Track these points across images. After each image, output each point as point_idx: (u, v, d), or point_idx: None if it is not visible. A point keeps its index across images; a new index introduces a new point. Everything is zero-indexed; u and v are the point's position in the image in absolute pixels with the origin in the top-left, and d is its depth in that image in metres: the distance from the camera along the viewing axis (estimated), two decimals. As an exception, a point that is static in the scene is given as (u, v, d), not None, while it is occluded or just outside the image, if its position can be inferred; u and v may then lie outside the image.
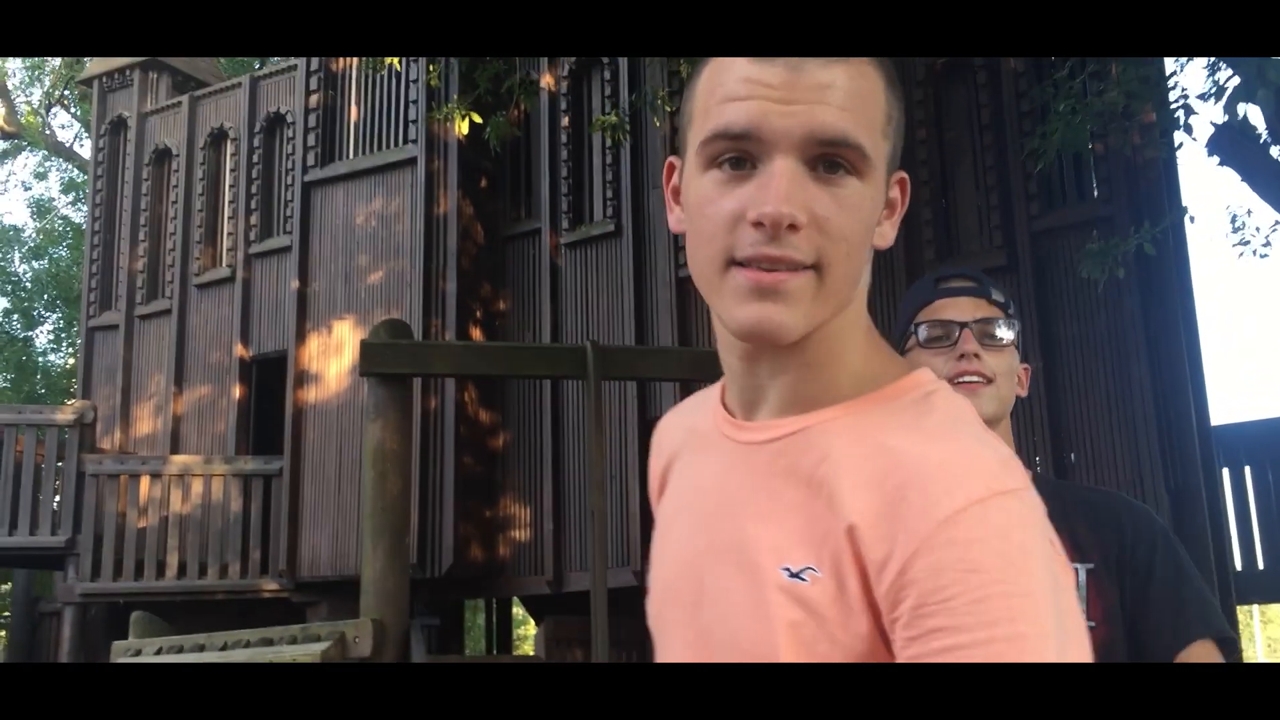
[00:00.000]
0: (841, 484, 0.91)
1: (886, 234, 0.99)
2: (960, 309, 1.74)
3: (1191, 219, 7.30)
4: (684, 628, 1.02)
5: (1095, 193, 7.93)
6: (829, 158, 0.91)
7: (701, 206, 0.94)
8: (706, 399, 1.13)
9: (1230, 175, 6.79)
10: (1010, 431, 1.77)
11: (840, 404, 0.96)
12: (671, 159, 1.05)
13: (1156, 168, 7.50)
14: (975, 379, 1.70)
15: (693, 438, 1.11)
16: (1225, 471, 8.00)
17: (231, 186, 10.86)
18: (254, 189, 10.56)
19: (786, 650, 0.90)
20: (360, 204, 9.96)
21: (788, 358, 0.97)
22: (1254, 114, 6.57)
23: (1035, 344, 7.42)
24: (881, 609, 0.87)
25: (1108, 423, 7.39)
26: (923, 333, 1.75)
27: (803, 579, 0.90)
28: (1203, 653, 1.65)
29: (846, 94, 0.92)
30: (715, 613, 0.98)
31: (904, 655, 0.85)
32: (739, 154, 0.92)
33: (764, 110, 0.91)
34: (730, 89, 0.93)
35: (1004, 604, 0.82)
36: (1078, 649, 0.85)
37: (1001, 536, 0.84)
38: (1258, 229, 8.15)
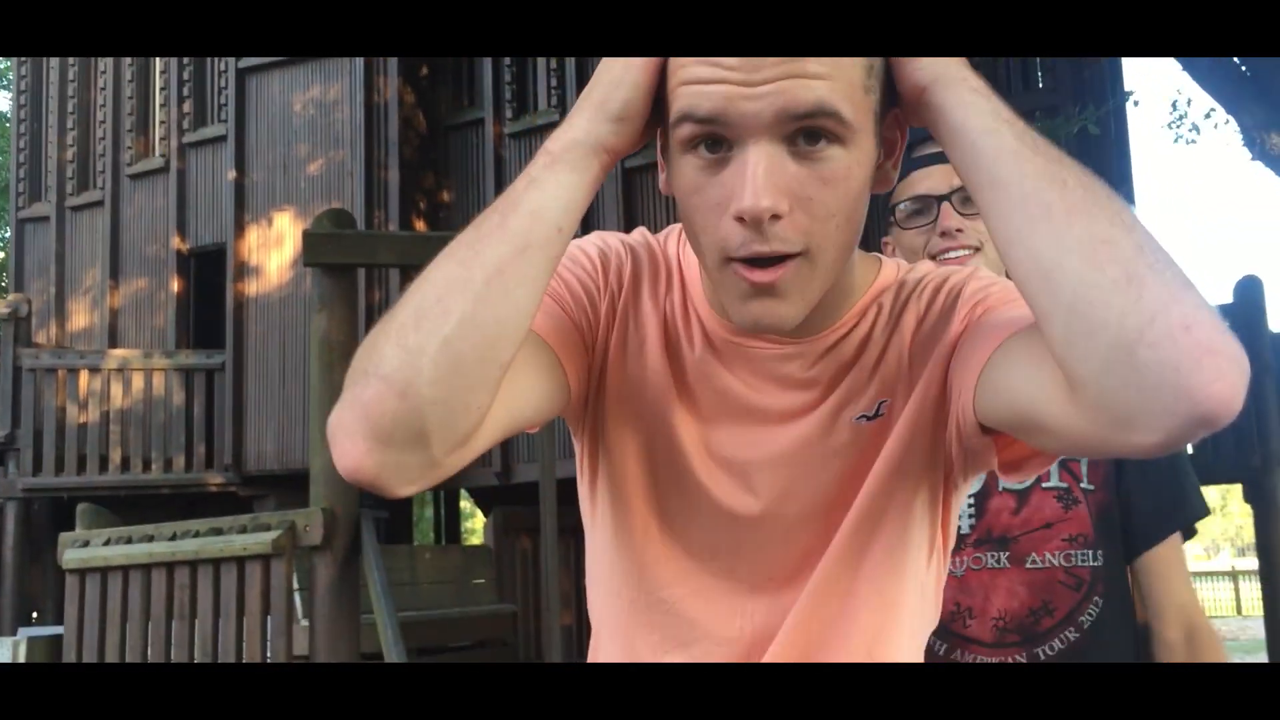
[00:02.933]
0: (889, 349, 1.03)
1: (888, 175, 0.98)
2: (935, 179, 1.64)
3: (1135, 103, 7.35)
4: (721, 526, 1.06)
5: (1040, 82, 7.93)
6: (807, 129, 0.87)
7: (688, 195, 0.92)
8: (671, 279, 1.09)
9: (1172, 65, 6.82)
10: None
11: (852, 310, 1.04)
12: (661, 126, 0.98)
13: (1099, 58, 7.52)
14: (961, 252, 1.63)
15: (666, 322, 1.08)
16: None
17: (163, 73, 10.53)
18: (186, 75, 10.24)
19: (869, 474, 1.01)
20: (298, 91, 9.72)
21: None
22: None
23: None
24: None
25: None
26: (900, 211, 1.68)
27: (880, 414, 1.01)
28: (1175, 537, 1.66)
29: (818, 57, 0.87)
30: (800, 501, 1.03)
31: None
32: (712, 137, 0.89)
33: (728, 95, 0.86)
34: (691, 70, 0.88)
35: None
36: None
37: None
38: (1194, 123, 8.21)
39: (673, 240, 1.12)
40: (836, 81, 0.87)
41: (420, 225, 9.41)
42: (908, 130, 0.99)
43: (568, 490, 5.28)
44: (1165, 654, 1.65)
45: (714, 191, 0.90)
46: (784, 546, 1.04)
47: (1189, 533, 1.70)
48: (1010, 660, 1.58)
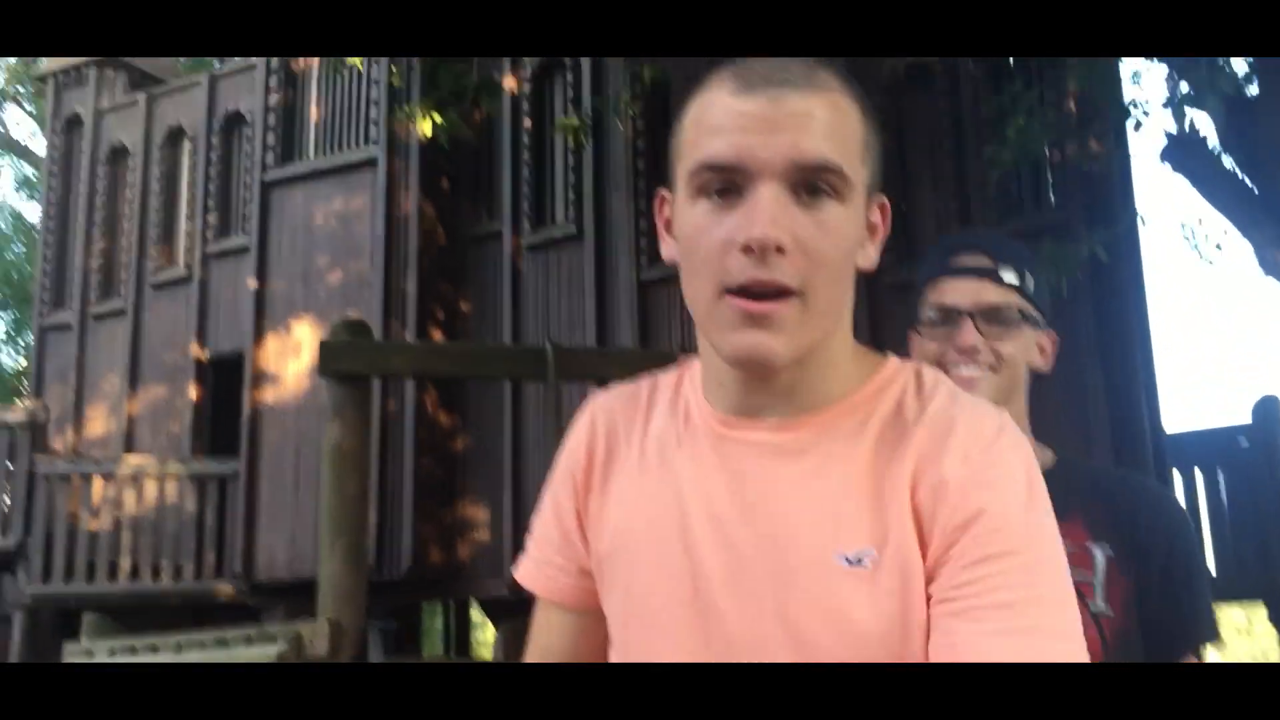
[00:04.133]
0: (886, 466, 0.98)
1: (870, 255, 1.04)
2: (964, 293, 1.63)
3: (1143, 221, 7.41)
4: (690, 632, 1.02)
5: (1052, 200, 8.02)
6: (811, 182, 0.95)
7: (694, 237, 0.98)
8: (657, 396, 1.13)
9: (1184, 183, 6.89)
10: (1024, 413, 1.69)
11: (838, 401, 1.03)
12: (662, 191, 1.07)
13: (1111, 175, 7.60)
14: (974, 370, 1.62)
15: (653, 437, 1.10)
16: (1177, 476, 8.10)
17: (189, 185, 10.75)
18: (212, 188, 10.46)
19: (858, 627, 0.95)
20: (320, 204, 9.89)
21: (785, 375, 1.01)
22: (1206, 122, 6.68)
23: (992, 349, 7.49)
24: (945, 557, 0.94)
25: (1061, 428, 7.47)
26: (924, 315, 1.67)
27: (863, 565, 0.95)
28: (1192, 659, 1.61)
29: (825, 122, 0.96)
30: (756, 610, 0.99)
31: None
32: (725, 183, 0.96)
33: (748, 141, 0.95)
34: (715, 121, 0.97)
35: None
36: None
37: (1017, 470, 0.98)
38: (1206, 236, 8.27)
39: (676, 370, 1.16)
40: (838, 145, 0.97)
41: (437, 335, 9.47)
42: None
43: (578, 604, 5.20)
44: None
45: (719, 231, 0.96)
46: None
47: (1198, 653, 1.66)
48: None
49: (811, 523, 0.97)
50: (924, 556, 0.95)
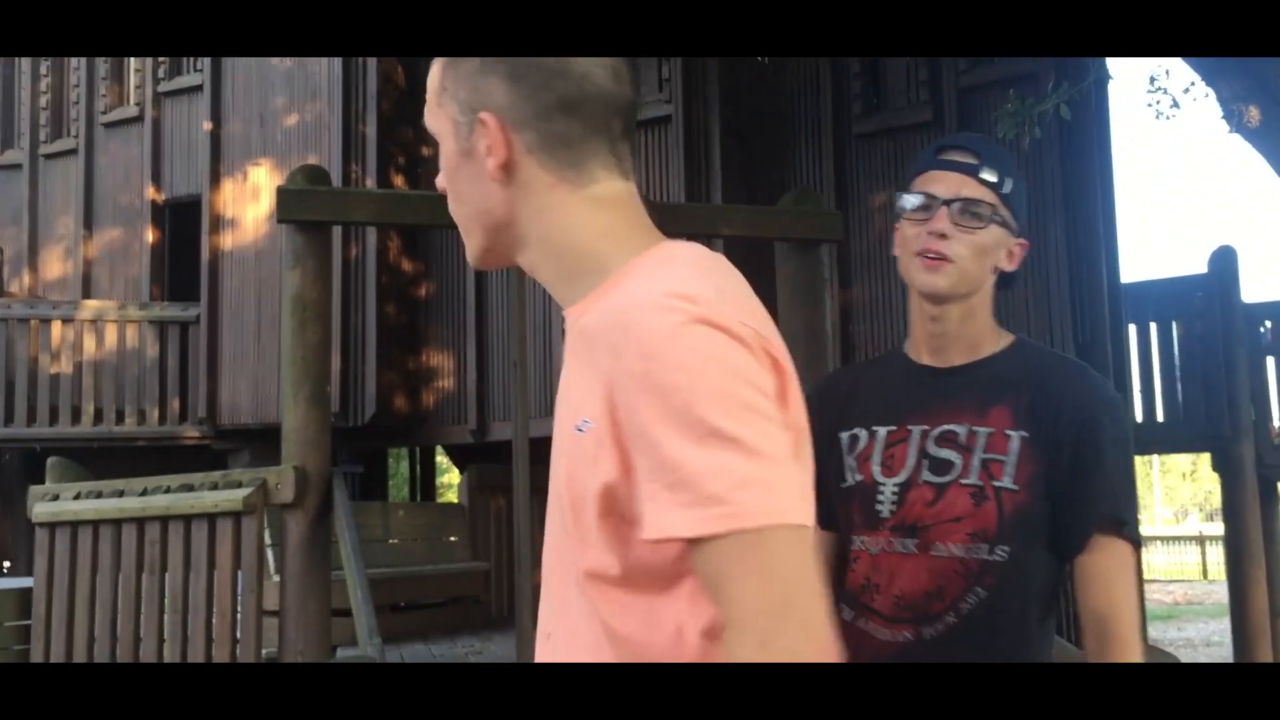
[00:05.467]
0: (596, 352, 1.07)
1: (488, 164, 1.15)
2: (945, 184, 1.77)
3: (1110, 78, 7.34)
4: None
5: (1022, 49, 7.91)
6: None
7: None
8: None
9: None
10: (988, 307, 1.83)
11: (597, 288, 1.13)
12: None
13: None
14: (934, 256, 1.76)
15: None
16: (1132, 328, 8.23)
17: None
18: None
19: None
20: (275, 42, 9.59)
21: (533, 270, 1.18)
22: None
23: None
24: None
25: (1021, 280, 7.54)
26: (907, 201, 1.80)
27: (581, 430, 1.04)
28: (1103, 541, 1.72)
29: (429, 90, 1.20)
30: (555, 462, 1.13)
31: None
32: None
33: None
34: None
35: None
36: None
37: None
38: (1167, 92, 8.19)
39: None
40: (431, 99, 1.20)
41: (398, 181, 9.34)
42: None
43: (541, 450, 5.30)
44: (1080, 658, 1.75)
45: None
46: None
47: (1132, 539, 1.74)
48: (902, 636, 1.72)
49: (567, 400, 1.11)
50: (620, 432, 1.00)
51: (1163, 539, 27.33)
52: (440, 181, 1.18)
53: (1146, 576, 8.97)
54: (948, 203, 1.76)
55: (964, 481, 1.73)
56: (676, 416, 0.94)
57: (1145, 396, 8.28)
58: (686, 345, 0.96)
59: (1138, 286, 8.46)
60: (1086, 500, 1.72)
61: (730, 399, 0.94)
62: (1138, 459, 12.26)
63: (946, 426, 1.77)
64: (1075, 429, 1.72)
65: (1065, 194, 7.50)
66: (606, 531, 1.03)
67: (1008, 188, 1.79)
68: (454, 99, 1.15)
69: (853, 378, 1.98)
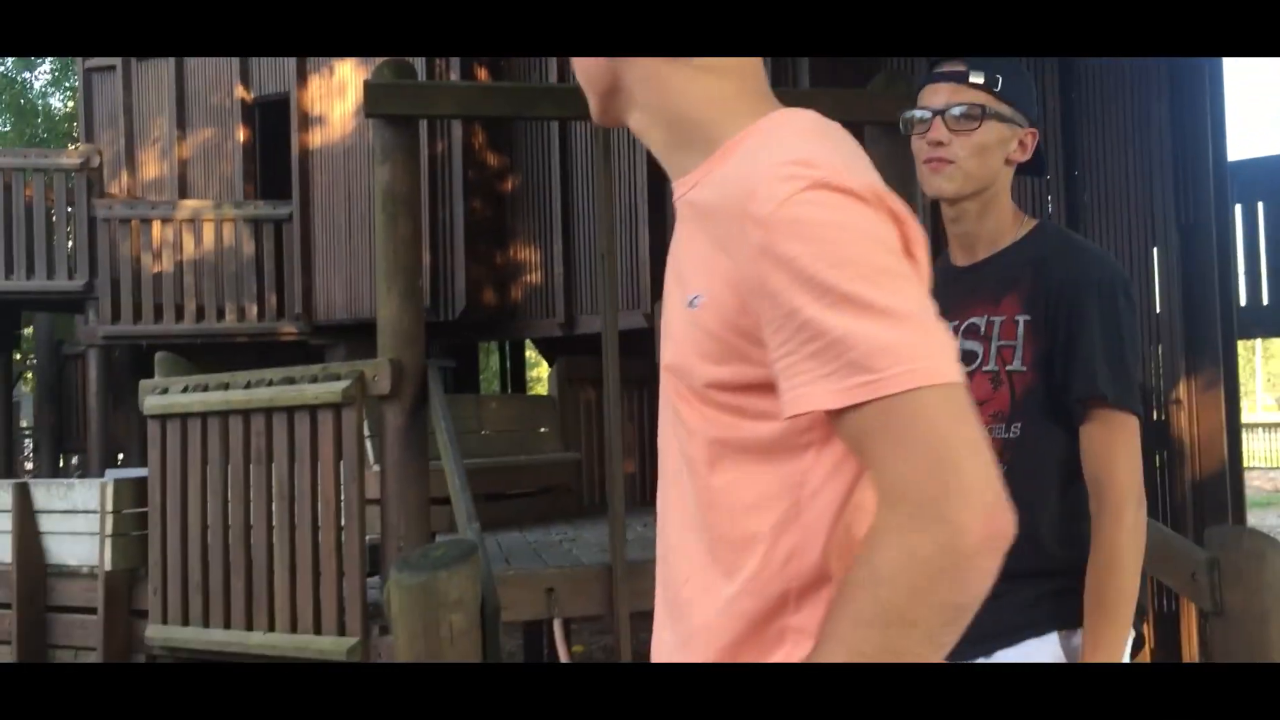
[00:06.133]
0: (710, 224, 1.06)
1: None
2: (937, 96, 1.92)
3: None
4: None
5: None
6: None
7: None
8: None
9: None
10: (1005, 201, 1.96)
11: (710, 157, 1.10)
12: None
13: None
14: (939, 162, 1.91)
15: None
16: (1238, 207, 7.94)
17: (220, -83, 10.36)
18: (244, -81, 10.08)
19: None
20: (356, -65, 9.53)
21: (652, 141, 1.15)
22: None
23: (1055, 82, 7.24)
24: None
25: (1124, 159, 7.30)
26: (912, 116, 1.95)
27: (694, 306, 1.04)
28: (1099, 412, 1.83)
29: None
30: (664, 343, 1.13)
31: None
32: None
33: None
34: None
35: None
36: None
37: None
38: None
39: None
40: None
41: (482, 74, 9.29)
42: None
43: (629, 342, 5.33)
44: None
45: None
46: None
47: (1127, 409, 1.84)
48: None
49: (676, 274, 1.10)
50: (749, 309, 0.98)
51: (1264, 425, 26.71)
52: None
53: (1246, 463, 8.80)
54: (940, 112, 1.90)
55: (985, 369, 1.90)
56: (806, 285, 0.92)
57: (1250, 278, 8.03)
58: (808, 211, 0.93)
59: (1244, 164, 8.14)
60: (1074, 374, 1.84)
61: (859, 262, 0.91)
62: (1240, 344, 11.94)
63: (970, 320, 1.92)
64: (1065, 306, 1.84)
65: (1170, 70, 7.19)
66: (722, 406, 1.03)
67: (999, 85, 1.91)
68: None
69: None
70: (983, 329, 1.90)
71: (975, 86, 1.90)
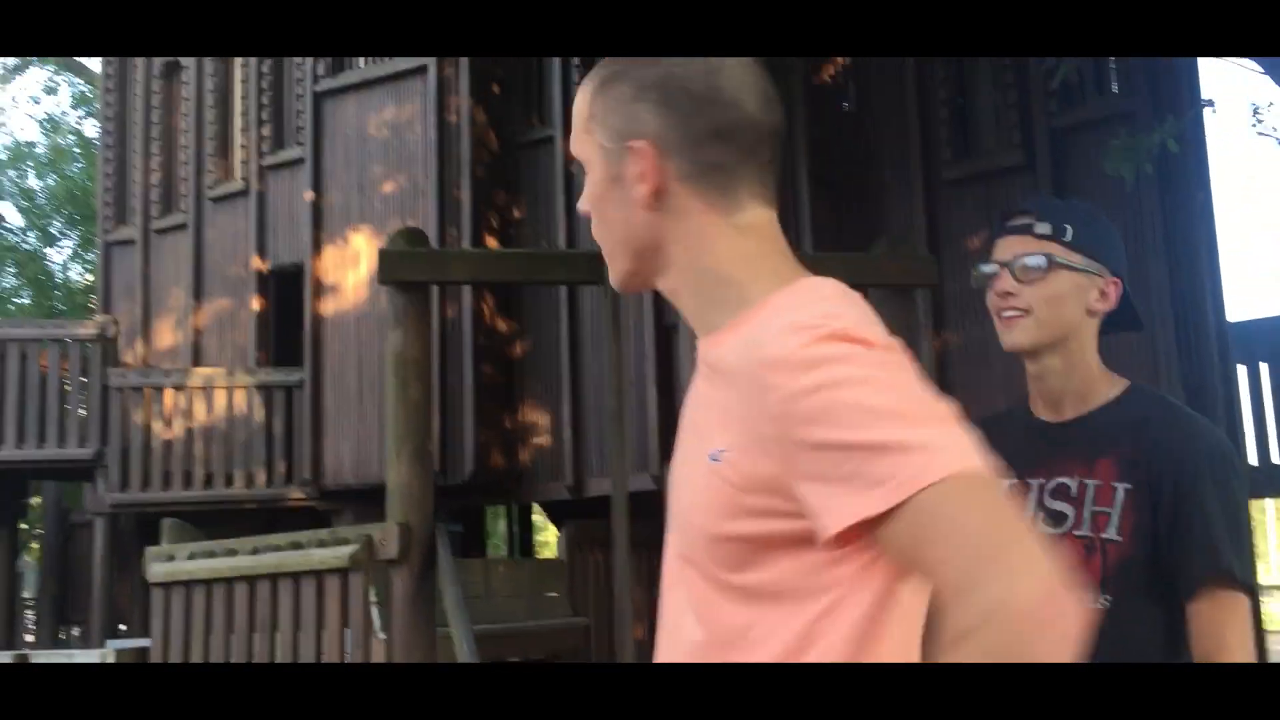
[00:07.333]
0: (732, 384, 1.09)
1: (639, 192, 1.17)
2: (1006, 248, 1.90)
3: (1214, 110, 7.19)
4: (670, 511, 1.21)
5: (1115, 88, 7.81)
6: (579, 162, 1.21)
7: None
8: None
9: (1250, 65, 6.66)
10: (1091, 357, 1.91)
11: (735, 319, 1.14)
12: None
13: (1176, 62, 7.38)
14: (1011, 313, 1.87)
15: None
16: (1242, 368, 7.99)
17: (243, 98, 10.79)
18: (265, 100, 10.48)
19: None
20: (372, 113, 9.89)
21: (679, 301, 1.19)
22: None
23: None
24: None
25: (1145, 318, 7.38)
26: (982, 271, 1.93)
27: (718, 460, 1.06)
28: (1212, 590, 1.73)
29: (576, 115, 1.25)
30: (677, 494, 1.17)
31: None
32: None
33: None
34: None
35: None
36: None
37: None
38: (1275, 128, 8.03)
39: None
40: (579, 124, 1.21)
41: (493, 242, 9.51)
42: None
43: (638, 504, 5.30)
44: None
45: None
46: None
47: (1231, 581, 1.74)
48: None
49: (697, 429, 1.13)
50: (772, 459, 1.01)
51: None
52: (583, 206, 1.19)
53: (1269, 627, 8.62)
54: (1006, 264, 1.88)
55: (1077, 533, 1.80)
56: (830, 419, 0.96)
57: (1258, 438, 8.01)
58: (826, 350, 0.98)
59: (1245, 325, 8.22)
60: (1189, 549, 1.74)
61: (877, 387, 0.96)
62: (1253, 503, 11.81)
63: (1059, 480, 1.83)
64: (1174, 477, 1.75)
65: (1166, 233, 7.34)
66: (743, 555, 1.04)
67: (1069, 235, 1.87)
68: (603, 125, 1.16)
69: (976, 432, 2.04)
70: (1074, 491, 1.82)
71: (1042, 237, 1.88)
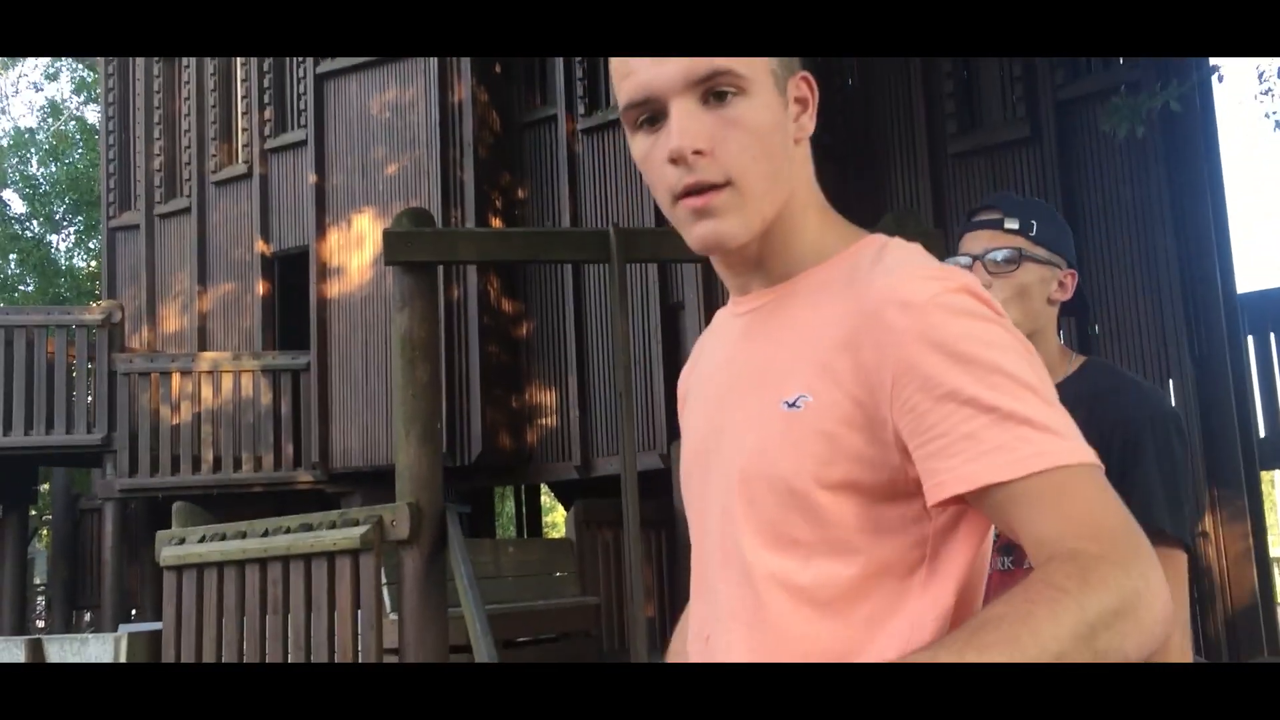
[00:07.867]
0: (823, 328, 1.07)
1: (805, 125, 1.15)
2: (976, 242, 2.06)
3: (1220, 78, 7.14)
4: (702, 475, 1.18)
5: (1120, 59, 7.76)
6: (713, 88, 1.07)
7: (642, 162, 1.12)
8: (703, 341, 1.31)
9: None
10: (1052, 340, 2.06)
11: (806, 270, 1.13)
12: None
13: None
14: None
15: (707, 344, 1.29)
16: (1250, 339, 7.97)
17: (244, 81, 10.76)
18: (266, 83, 10.46)
19: (804, 460, 1.05)
20: (374, 94, 9.87)
21: (750, 251, 1.13)
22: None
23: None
24: (890, 415, 1.01)
25: (1132, 294, 7.37)
26: (957, 264, 2.03)
27: (797, 406, 1.06)
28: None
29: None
30: (734, 445, 1.13)
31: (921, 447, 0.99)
32: (648, 114, 1.10)
33: (648, 76, 1.08)
34: (623, 67, 1.10)
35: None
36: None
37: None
38: (1268, 91, 7.97)
39: None
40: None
41: (496, 222, 9.50)
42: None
43: (647, 483, 5.29)
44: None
45: (657, 153, 1.10)
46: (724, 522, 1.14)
47: (1178, 543, 1.85)
48: None
49: (759, 377, 1.11)
50: (879, 404, 1.01)
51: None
52: (699, 142, 1.07)
53: (1277, 598, 8.62)
54: (979, 257, 2.03)
55: None
56: (966, 365, 0.96)
57: (1267, 409, 7.99)
58: (961, 302, 0.99)
59: (1254, 296, 8.19)
60: (1130, 507, 1.77)
61: (1012, 350, 0.98)
62: (1263, 475, 11.82)
63: None
64: (1119, 441, 1.87)
65: (1173, 203, 7.31)
66: (831, 505, 1.04)
67: (1034, 230, 2.03)
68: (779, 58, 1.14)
69: None
70: None
71: (1011, 232, 2.03)
